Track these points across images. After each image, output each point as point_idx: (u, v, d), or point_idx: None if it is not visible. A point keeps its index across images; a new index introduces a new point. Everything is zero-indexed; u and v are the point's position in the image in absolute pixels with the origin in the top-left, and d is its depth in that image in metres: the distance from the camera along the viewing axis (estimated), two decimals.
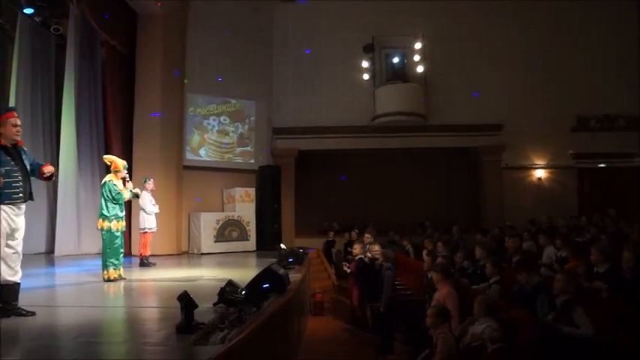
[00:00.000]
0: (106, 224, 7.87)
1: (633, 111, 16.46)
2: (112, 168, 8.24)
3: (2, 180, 4.72)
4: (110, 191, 7.91)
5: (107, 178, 8.12)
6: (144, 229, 10.49)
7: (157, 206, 10.70)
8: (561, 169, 16.73)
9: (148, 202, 10.50)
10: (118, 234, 7.98)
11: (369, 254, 8.97)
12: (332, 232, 16.00)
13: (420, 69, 16.33)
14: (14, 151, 5.03)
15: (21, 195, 4.99)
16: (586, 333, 4.78)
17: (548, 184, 16.78)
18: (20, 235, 5.05)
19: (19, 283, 5.06)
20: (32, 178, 5.23)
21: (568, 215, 14.23)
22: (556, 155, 16.73)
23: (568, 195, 16.56)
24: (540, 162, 16.83)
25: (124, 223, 8.13)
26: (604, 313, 5.38)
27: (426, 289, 7.74)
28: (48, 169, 5.36)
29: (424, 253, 8.76)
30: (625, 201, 15.19)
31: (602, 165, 16.76)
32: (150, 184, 10.65)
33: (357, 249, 9.51)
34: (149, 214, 10.53)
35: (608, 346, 5.04)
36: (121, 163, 8.26)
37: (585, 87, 16.39)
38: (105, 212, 7.90)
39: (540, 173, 16.80)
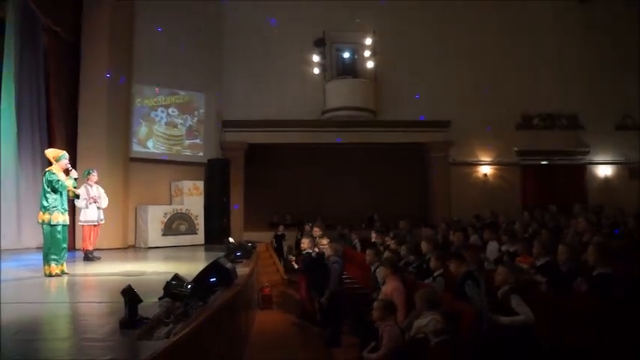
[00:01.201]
0: (47, 217, 7.65)
1: (574, 110, 17.12)
2: (52, 160, 8.05)
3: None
4: (50, 181, 7.70)
5: (47, 169, 7.91)
6: (84, 221, 10.24)
7: (104, 199, 10.39)
8: (506, 165, 17.22)
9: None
10: (60, 227, 7.75)
11: (316, 248, 9.02)
12: (282, 226, 15.99)
13: (370, 64, 16.47)
14: None
15: None
16: (525, 320, 4.92)
17: (493, 180, 17.22)
18: None
19: None
20: None
21: (512, 210, 14.64)
22: (502, 152, 17.20)
23: (512, 191, 17.06)
24: (486, 158, 17.26)
25: (66, 216, 7.91)
26: (543, 306, 5.57)
27: (372, 282, 7.83)
28: None
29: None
30: (565, 197, 15.76)
31: (544, 162, 17.33)
32: (93, 177, 10.38)
33: (305, 243, 9.55)
34: (80, 207, 10.27)
35: (552, 341, 5.23)
36: (55, 153, 8.09)
37: (530, 86, 16.93)
38: (45, 204, 7.67)
39: (486, 169, 17.22)
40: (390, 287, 6.45)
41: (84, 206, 10.23)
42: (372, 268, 7.85)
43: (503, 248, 8.59)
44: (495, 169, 17.28)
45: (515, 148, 17.15)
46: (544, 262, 6.73)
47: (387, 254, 7.81)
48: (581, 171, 17.33)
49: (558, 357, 5.16)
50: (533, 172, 17.27)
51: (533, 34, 17.03)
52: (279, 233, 15.69)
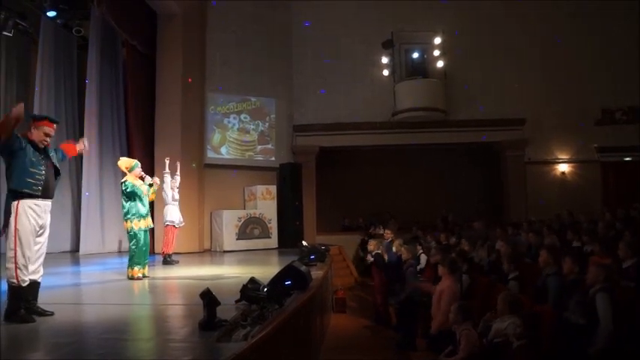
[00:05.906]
0: (129, 224, 7.93)
1: None
2: (125, 170, 8.28)
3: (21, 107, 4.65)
4: (127, 188, 7.95)
5: (123, 179, 8.17)
6: (170, 222, 10.55)
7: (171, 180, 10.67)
8: (585, 163, 16.47)
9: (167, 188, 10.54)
10: (142, 233, 8.03)
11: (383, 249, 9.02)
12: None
13: (440, 64, 16.19)
14: (43, 149, 5.00)
15: (40, 188, 4.85)
16: (602, 327, 4.64)
17: (571, 178, 16.53)
18: (46, 233, 5.07)
19: (39, 282, 5.06)
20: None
21: (592, 210, 14.02)
22: (580, 149, 16.48)
23: (592, 189, 16.29)
24: (564, 156, 16.59)
25: (147, 222, 8.15)
26: (630, 310, 5.28)
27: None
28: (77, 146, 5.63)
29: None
30: None
31: (627, 159, 16.46)
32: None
33: (372, 245, 9.57)
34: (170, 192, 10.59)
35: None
36: (127, 163, 8.30)
37: (609, 79, 16.07)
38: (126, 212, 7.96)
39: (564, 167, 16.56)
40: (443, 285, 6.37)
41: (170, 200, 10.55)
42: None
43: (585, 249, 8.22)
44: (573, 166, 16.57)
45: (595, 145, 16.38)
46: (631, 264, 6.35)
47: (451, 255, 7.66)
48: None
49: None
50: (615, 170, 16.40)
51: (610, 23, 16.16)
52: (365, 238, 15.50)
